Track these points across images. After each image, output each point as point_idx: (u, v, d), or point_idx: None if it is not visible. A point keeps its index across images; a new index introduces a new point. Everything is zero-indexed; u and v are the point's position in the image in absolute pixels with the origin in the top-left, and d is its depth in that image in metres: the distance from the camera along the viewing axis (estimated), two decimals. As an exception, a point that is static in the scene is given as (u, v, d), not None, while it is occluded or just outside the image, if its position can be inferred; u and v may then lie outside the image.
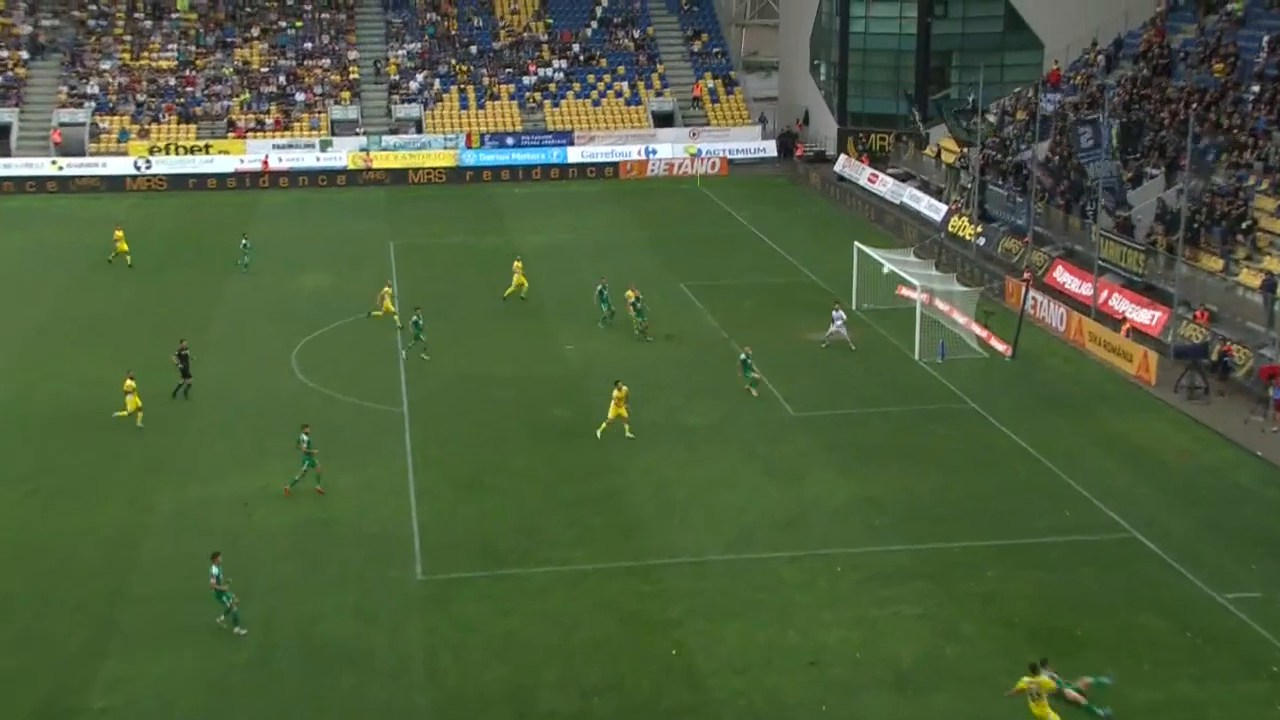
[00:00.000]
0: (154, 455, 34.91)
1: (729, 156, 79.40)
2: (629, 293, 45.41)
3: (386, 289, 47.45)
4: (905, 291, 47.40)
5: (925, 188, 66.70)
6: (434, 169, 76.13)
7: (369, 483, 33.24)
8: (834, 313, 43.66)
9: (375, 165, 75.62)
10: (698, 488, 32.99)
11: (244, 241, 55.31)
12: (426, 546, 29.67)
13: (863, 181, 70.73)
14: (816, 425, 37.40)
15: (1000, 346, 43.95)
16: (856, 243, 49.62)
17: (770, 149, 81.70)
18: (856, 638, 25.73)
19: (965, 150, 62.03)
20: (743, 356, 39.75)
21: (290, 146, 76.68)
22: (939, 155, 67.06)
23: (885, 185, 68.64)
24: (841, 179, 72.81)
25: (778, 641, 25.74)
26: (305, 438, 32.68)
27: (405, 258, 57.14)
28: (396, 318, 45.54)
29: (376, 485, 33.11)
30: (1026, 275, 48.93)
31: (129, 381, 36.85)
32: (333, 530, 30.62)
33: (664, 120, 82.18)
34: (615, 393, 35.90)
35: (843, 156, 75.55)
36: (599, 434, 35.73)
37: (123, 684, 24.24)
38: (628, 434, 35.78)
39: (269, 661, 25.04)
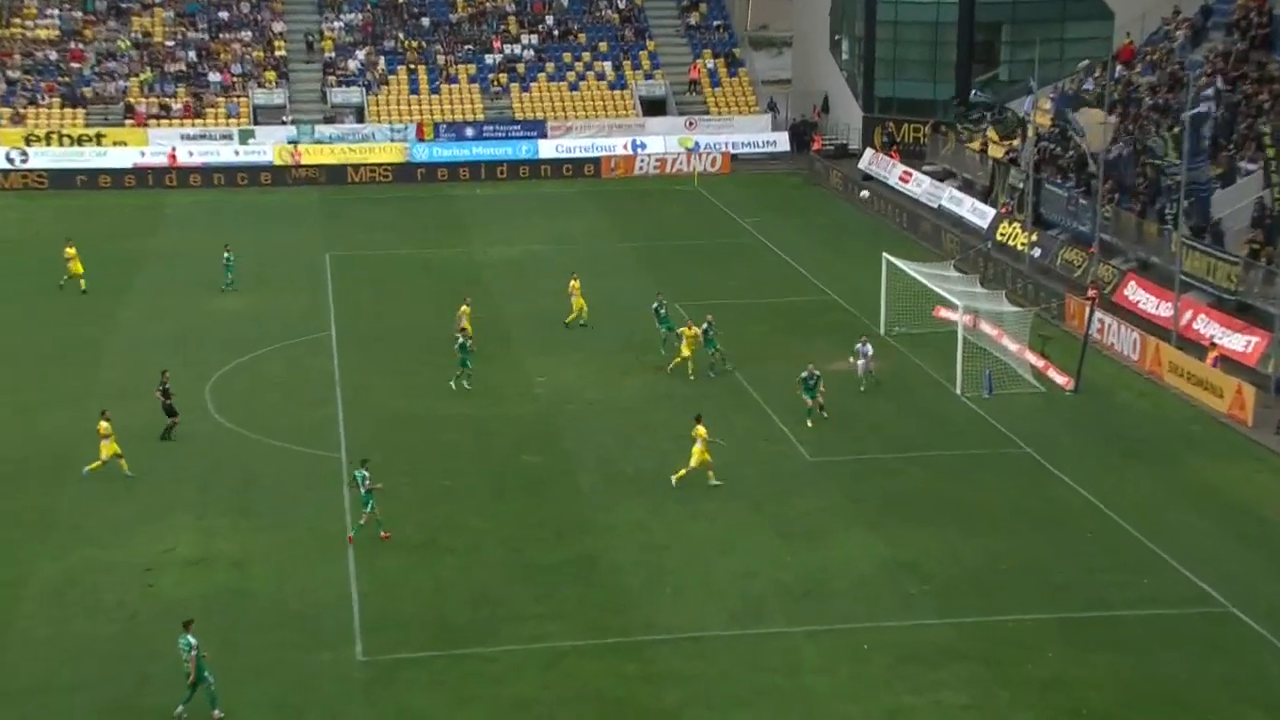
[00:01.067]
0: (32, 516, 34.69)
1: (732, 151, 79.82)
2: (687, 330, 44.19)
3: (465, 308, 46.76)
4: (944, 313, 47.52)
5: (968, 188, 67.06)
6: (379, 166, 76.41)
7: (297, 544, 33.09)
8: (860, 346, 43.56)
9: (306, 161, 75.89)
10: (695, 549, 32.92)
11: (226, 255, 54.63)
12: (368, 622, 29.51)
13: (893, 181, 71.10)
14: (838, 473, 37.41)
15: (1060, 379, 44.08)
16: (885, 254, 49.83)
17: (782, 142, 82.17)
18: (889, 732, 25.68)
19: (1017, 142, 62.38)
20: (804, 375, 40.24)
21: (203, 138, 76.95)
22: (985, 149, 67.45)
23: (920, 185, 69.02)
24: (868, 178, 73.15)
25: (793, 736, 25.64)
26: (364, 473, 33.11)
27: (344, 273, 57.18)
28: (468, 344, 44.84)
29: (307, 548, 32.97)
30: (1092, 293, 49.15)
31: (103, 424, 36.58)
32: (252, 603, 30.45)
33: (654, 108, 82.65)
34: (697, 429, 35.94)
35: (869, 151, 75.97)
36: (674, 481, 35.81)
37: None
38: (712, 482, 35.87)
39: (174, 765, 24.89)
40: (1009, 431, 40.28)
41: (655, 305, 46.92)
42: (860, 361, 43.16)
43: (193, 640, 26.12)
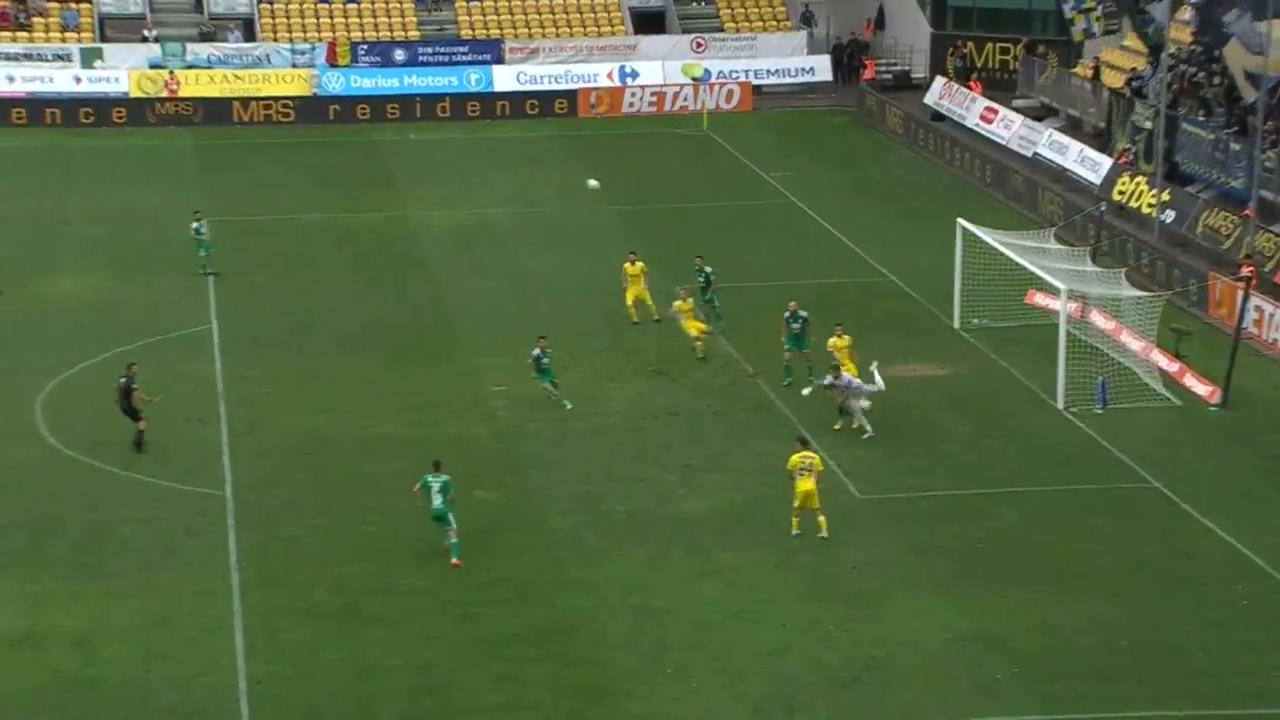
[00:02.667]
0: None
1: (755, 81, 79.89)
2: (681, 304, 46.73)
3: (683, 301, 47.11)
4: (1042, 299, 47.56)
5: (1076, 129, 67.10)
6: (275, 100, 76.41)
7: (166, 617, 33.01)
8: (872, 367, 42.56)
9: (181, 94, 75.81)
10: (705, 617, 32.93)
11: (196, 224, 54.00)
12: None
13: (972, 121, 71.15)
14: (898, 515, 37.46)
15: (1201, 388, 44.16)
16: (961, 220, 49.91)
17: (821, 69, 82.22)
18: None
19: (1146, 66, 62.12)
20: (787, 315, 41.26)
21: (29, 58, 76.80)
22: (1098, 76, 67.49)
23: (1009, 126, 69.05)
24: (938, 117, 73.20)
25: None
26: (441, 479, 34.56)
27: (228, 245, 56.97)
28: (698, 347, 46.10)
29: (179, 621, 32.91)
30: (1247, 271, 49.11)
31: None
32: (103, 697, 30.31)
33: (650, 23, 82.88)
34: (802, 459, 35.79)
35: (939, 80, 75.99)
36: (794, 529, 35.90)
37: None
38: (821, 533, 35.88)
39: None
40: (1129, 459, 40.33)
41: (700, 270, 48.66)
42: (861, 395, 41.92)
43: None
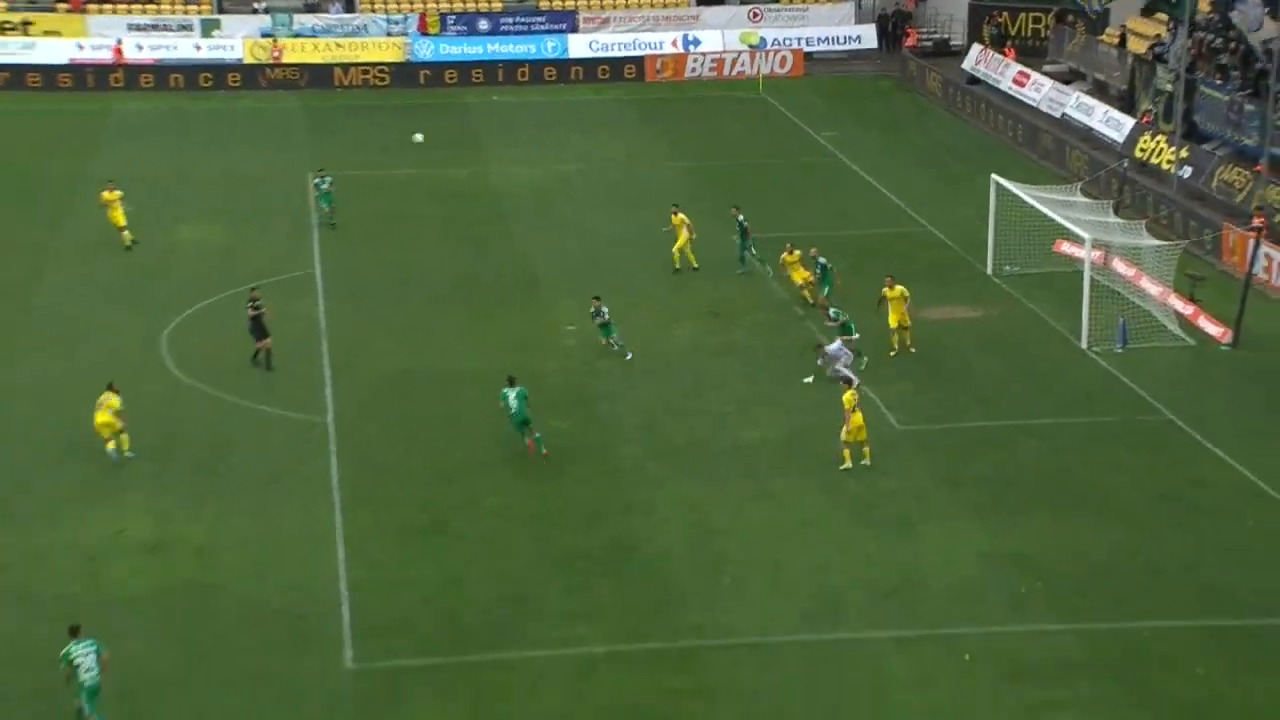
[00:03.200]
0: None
1: (806, 49, 79.47)
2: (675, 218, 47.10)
3: (789, 253, 46.44)
4: (1068, 248, 47.28)
5: (1101, 92, 66.52)
6: (372, 66, 76.50)
7: (275, 530, 33.44)
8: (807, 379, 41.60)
9: (286, 60, 76.00)
10: (760, 536, 33.08)
11: (318, 180, 53.87)
12: (361, 623, 29.84)
13: (1006, 85, 70.61)
14: (934, 445, 37.45)
15: (1214, 329, 43.86)
16: (994, 175, 49.61)
17: (868, 37, 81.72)
18: (995, 759, 25.86)
19: (1167, 34, 61.51)
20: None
21: (156, 28, 77.13)
22: (1123, 43, 66.84)
23: (1040, 89, 68.51)
24: (974, 81, 72.66)
25: (878, 765, 25.89)
26: (516, 389, 36.06)
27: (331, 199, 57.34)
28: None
29: (287, 534, 33.32)
30: (1258, 221, 48.73)
31: (111, 397, 36.27)
32: (222, 599, 30.81)
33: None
34: (854, 395, 35.77)
35: (976, 47, 75.41)
36: (845, 463, 35.76)
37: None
38: (865, 460, 35.78)
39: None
40: (1147, 394, 40.15)
41: (738, 219, 48.63)
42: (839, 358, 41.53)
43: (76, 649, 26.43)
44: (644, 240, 51.32)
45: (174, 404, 39.84)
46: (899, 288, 42.32)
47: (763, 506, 34.41)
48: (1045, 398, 40.21)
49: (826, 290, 45.11)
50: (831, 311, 42.79)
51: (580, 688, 27.84)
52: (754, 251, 48.97)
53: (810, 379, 40.58)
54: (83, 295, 47.32)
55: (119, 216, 51.36)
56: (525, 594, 30.87)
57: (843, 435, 35.89)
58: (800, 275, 46.06)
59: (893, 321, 42.26)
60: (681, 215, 49.74)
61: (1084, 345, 43.03)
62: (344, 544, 32.81)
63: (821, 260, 45.49)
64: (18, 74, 74.02)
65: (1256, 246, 46.24)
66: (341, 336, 44.17)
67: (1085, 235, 44.17)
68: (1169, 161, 56.76)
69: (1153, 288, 44.95)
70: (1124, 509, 34.33)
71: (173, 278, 48.96)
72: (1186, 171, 56.02)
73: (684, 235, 49.36)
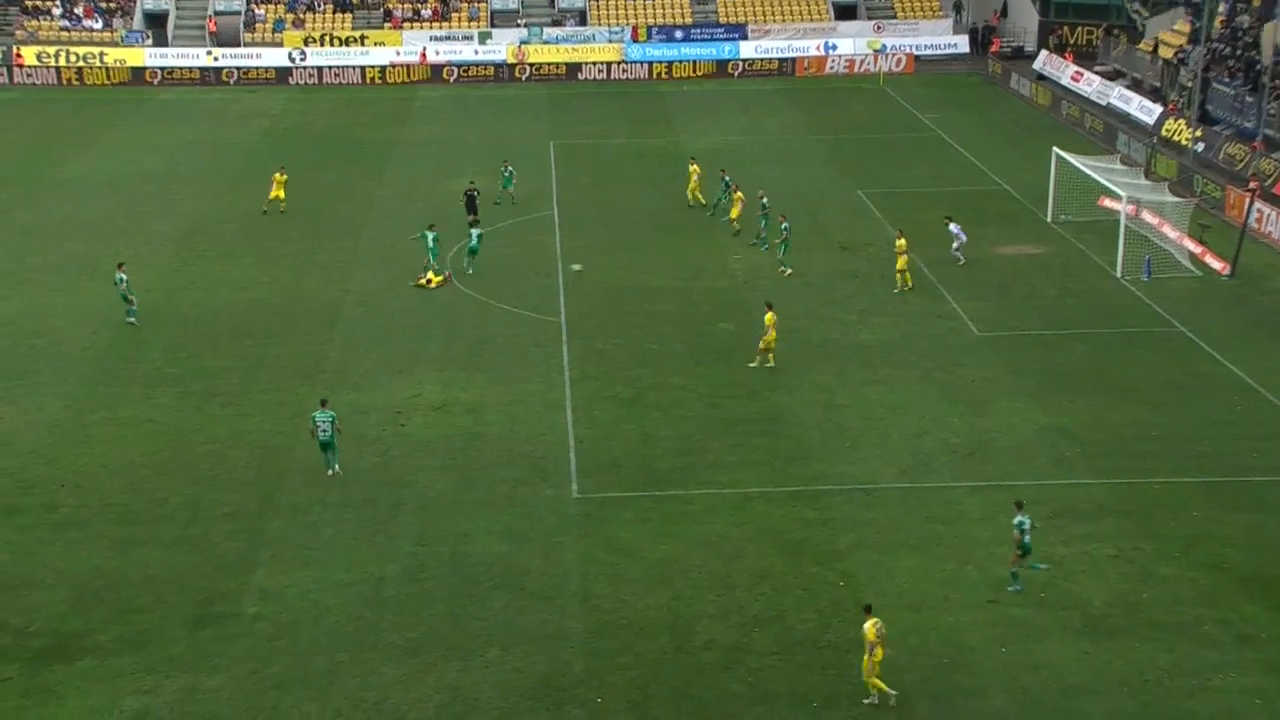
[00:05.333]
0: (303, 363, 36.06)
1: (916, 53, 77.43)
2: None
3: (901, 239, 40.85)
4: (1108, 202, 45.80)
5: (1137, 86, 64.02)
6: (596, 65, 76.14)
7: (523, 396, 33.80)
8: (952, 228, 42.21)
9: (534, 60, 75.96)
10: (870, 411, 32.71)
11: (505, 170, 51.79)
12: (583, 464, 30.09)
13: (1065, 80, 68.25)
14: (1003, 347, 36.63)
15: (1216, 264, 42.19)
16: (1055, 148, 48.00)
17: (962, 44, 79.42)
18: (1042, 577, 25.27)
19: (1188, 43, 59.22)
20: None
21: (448, 39, 77.58)
22: (1155, 50, 64.16)
23: (1091, 84, 66.12)
24: (1041, 78, 70.34)
25: (955, 578, 25.49)
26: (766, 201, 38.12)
27: (565, 160, 57.44)
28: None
29: (531, 399, 33.65)
30: (1253, 184, 46.81)
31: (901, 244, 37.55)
32: (486, 444, 31.28)
33: (846, 12, 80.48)
34: (770, 318, 34.67)
35: (1043, 53, 72.97)
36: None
37: (274, 593, 25.36)
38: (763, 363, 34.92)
39: (419, 577, 25.85)
40: (1165, 312, 38.86)
41: (761, 200, 45.35)
42: (955, 244, 42.17)
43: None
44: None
45: (454, 305, 40.32)
46: (900, 241, 40.74)
47: (875, 389, 33.97)
48: (1088, 313, 39.07)
49: (764, 223, 43.62)
50: None
51: (738, 517, 27.85)
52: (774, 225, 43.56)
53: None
54: (398, 224, 47.90)
55: (281, 192, 49.82)
56: (699, 448, 30.87)
57: (760, 345, 34.76)
58: (903, 261, 40.77)
59: (900, 265, 40.46)
60: (695, 167, 49.33)
61: (1119, 275, 41.68)
62: (571, 408, 33.06)
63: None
64: (359, 72, 75.28)
65: (1251, 203, 44.64)
66: (570, 259, 44.16)
67: (1122, 193, 42.85)
68: (1187, 139, 54.64)
69: (1171, 232, 43.34)
70: (1143, 394, 33.37)
71: (449, 215, 48.96)
72: (1200, 146, 54.00)
73: (694, 180, 48.91)
